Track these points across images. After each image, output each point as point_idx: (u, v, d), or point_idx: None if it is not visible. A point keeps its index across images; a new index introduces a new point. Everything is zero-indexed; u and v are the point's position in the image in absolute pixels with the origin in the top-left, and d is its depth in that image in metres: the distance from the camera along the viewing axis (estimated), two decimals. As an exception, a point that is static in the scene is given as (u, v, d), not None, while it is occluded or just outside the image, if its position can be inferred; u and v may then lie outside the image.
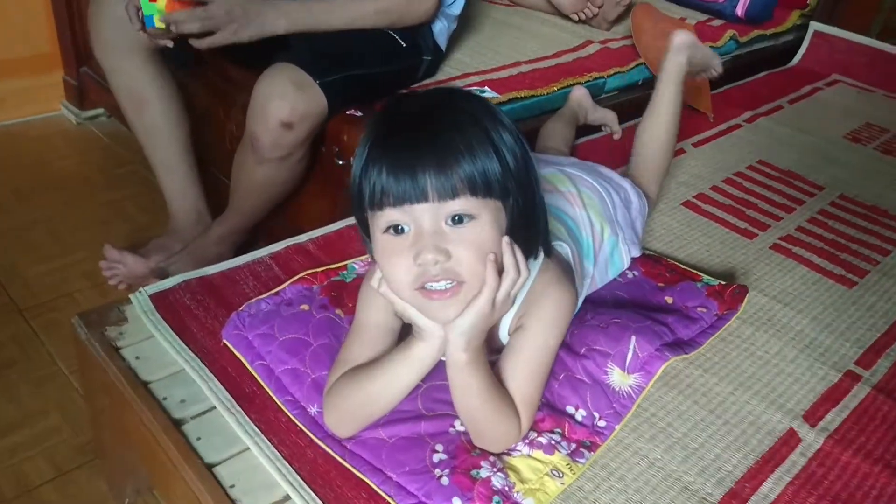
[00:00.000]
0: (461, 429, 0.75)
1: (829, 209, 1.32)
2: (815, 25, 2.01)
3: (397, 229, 0.63)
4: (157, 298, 0.91)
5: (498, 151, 0.63)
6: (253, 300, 0.89)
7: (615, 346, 0.85)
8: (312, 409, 0.76)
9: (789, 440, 0.82)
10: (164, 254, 1.27)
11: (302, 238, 1.05)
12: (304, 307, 0.87)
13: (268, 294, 0.90)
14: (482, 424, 0.71)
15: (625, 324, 0.87)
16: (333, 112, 1.13)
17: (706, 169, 1.40)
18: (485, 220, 0.63)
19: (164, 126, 1.30)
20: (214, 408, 0.77)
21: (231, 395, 0.78)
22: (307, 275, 0.94)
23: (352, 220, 1.10)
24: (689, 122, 1.51)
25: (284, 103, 1.07)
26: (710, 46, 1.84)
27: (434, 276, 0.63)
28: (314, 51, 1.14)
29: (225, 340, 0.84)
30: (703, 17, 2.00)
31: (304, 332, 0.83)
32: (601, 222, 0.96)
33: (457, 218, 0.62)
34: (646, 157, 1.16)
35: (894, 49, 1.91)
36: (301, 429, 0.75)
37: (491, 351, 0.76)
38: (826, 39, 2.00)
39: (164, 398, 0.78)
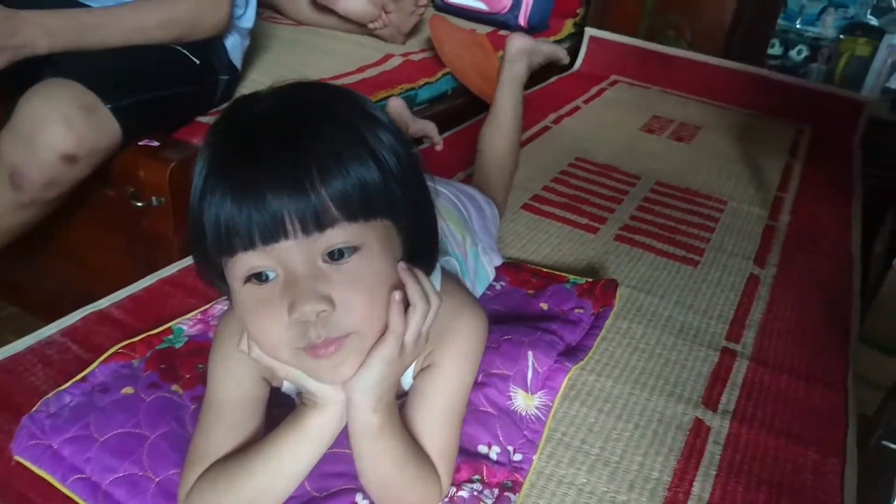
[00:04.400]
0: (365, 503, 0.60)
1: (651, 196, 1.35)
2: (589, 31, 2.13)
3: (260, 277, 0.48)
4: None
5: (375, 155, 0.49)
6: (51, 394, 0.66)
7: (513, 367, 0.75)
8: (165, 525, 0.57)
9: (699, 430, 0.78)
10: None
11: (102, 303, 0.83)
12: (128, 390, 0.67)
13: (71, 382, 0.68)
14: (400, 493, 0.56)
15: (517, 339, 0.78)
16: (126, 143, 0.92)
17: (532, 171, 1.38)
18: (372, 249, 0.49)
19: None
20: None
21: (40, 533, 0.56)
22: (122, 348, 0.73)
23: (164, 273, 0.90)
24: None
25: (68, 131, 0.83)
26: (501, 55, 1.86)
27: (317, 340, 0.47)
28: (96, 66, 0.91)
29: (17, 457, 0.61)
30: (490, 28, 2.02)
31: (134, 424, 0.63)
32: (462, 233, 0.86)
33: (335, 253, 0.47)
34: (491, 166, 1.09)
35: (660, 48, 2.07)
36: (154, 555, 0.55)
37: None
38: (601, 44, 2.13)
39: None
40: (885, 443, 0.82)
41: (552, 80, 1.98)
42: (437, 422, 0.59)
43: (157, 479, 0.59)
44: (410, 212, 0.51)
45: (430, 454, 0.58)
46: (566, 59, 1.30)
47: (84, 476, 0.59)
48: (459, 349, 0.59)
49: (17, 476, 0.60)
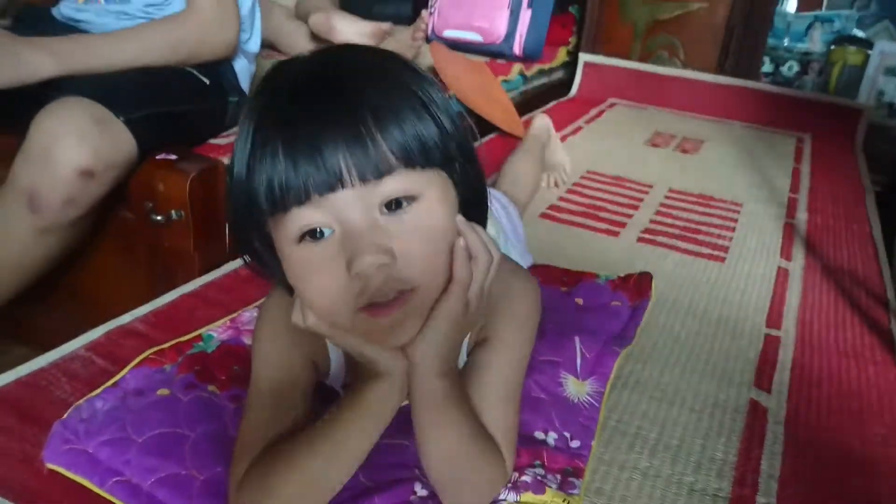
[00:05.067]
0: (423, 493, 0.57)
1: (666, 202, 1.34)
2: (584, 57, 2.16)
3: (315, 234, 0.45)
4: (-80, 434, 0.60)
5: (426, 106, 0.46)
6: (81, 400, 0.63)
7: (561, 353, 0.72)
8: (213, 523, 0.53)
9: (756, 411, 0.75)
10: None
11: (125, 318, 0.80)
12: (163, 391, 0.63)
13: (102, 388, 0.65)
14: (465, 474, 0.53)
15: (560, 326, 0.75)
16: (141, 157, 0.90)
17: (544, 186, 1.37)
18: (431, 199, 0.46)
19: None
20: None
21: (80, 541, 0.52)
22: (152, 354, 0.70)
23: (187, 288, 0.87)
24: (511, 145, 1.49)
25: (83, 145, 0.81)
26: (502, 80, 1.88)
27: (380, 290, 0.44)
28: (106, 83, 0.90)
29: (50, 464, 0.57)
30: (486, 59, 2.05)
31: (173, 423, 0.59)
32: (496, 229, 0.84)
33: (394, 203, 0.45)
34: (518, 177, 1.13)
35: (655, 69, 2.10)
36: (204, 556, 0.51)
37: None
38: (596, 69, 2.15)
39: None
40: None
41: (551, 104, 2.00)
42: (497, 398, 0.55)
43: (203, 478, 0.55)
44: (463, 165, 0.49)
45: (492, 433, 0.54)
46: (567, 175, 1.42)
47: (124, 478, 0.55)
48: (515, 318, 0.56)
49: (50, 485, 0.56)
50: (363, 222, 0.44)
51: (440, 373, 0.48)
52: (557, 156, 1.42)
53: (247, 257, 0.52)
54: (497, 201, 0.93)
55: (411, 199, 0.45)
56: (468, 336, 0.57)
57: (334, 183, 0.43)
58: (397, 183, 0.44)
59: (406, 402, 0.52)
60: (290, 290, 0.51)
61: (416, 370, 0.48)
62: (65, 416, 0.61)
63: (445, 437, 0.50)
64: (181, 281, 0.89)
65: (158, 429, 0.58)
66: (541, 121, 1.42)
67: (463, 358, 0.58)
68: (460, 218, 0.48)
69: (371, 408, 0.49)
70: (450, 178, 0.48)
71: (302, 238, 0.45)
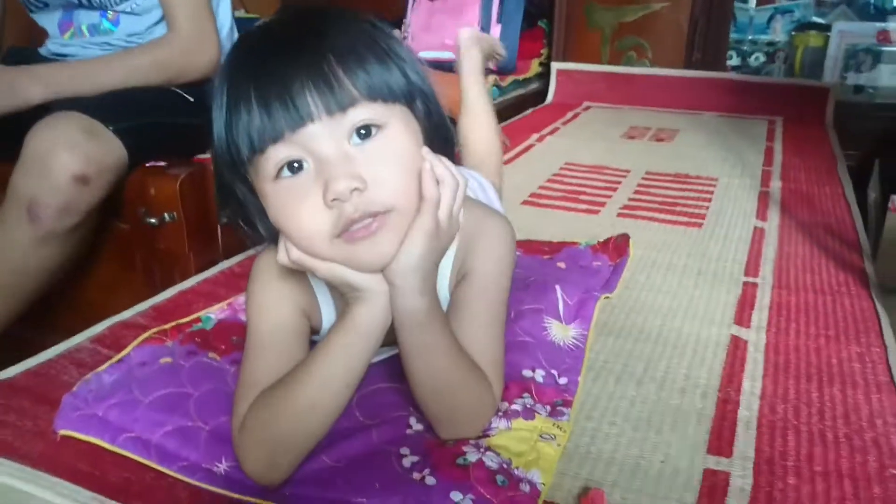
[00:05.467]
0: (419, 427, 0.60)
1: (644, 182, 1.39)
2: (556, 65, 2.22)
3: (292, 167, 0.49)
4: (-63, 420, 0.63)
5: (384, 47, 0.51)
6: (90, 374, 0.66)
7: (543, 300, 0.76)
8: (221, 466, 0.56)
9: (738, 343, 0.78)
10: None
11: (126, 314, 0.83)
12: (166, 360, 0.66)
13: (108, 364, 0.68)
14: (455, 398, 0.56)
15: (542, 279, 0.79)
16: (132, 164, 0.94)
17: (524, 178, 1.41)
18: (395, 127, 0.50)
19: None
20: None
21: (98, 494, 0.54)
22: (155, 333, 0.73)
23: (184, 286, 0.91)
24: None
25: (76, 153, 0.86)
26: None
27: (354, 216, 0.48)
28: (94, 99, 0.94)
29: (62, 431, 0.60)
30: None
31: (178, 384, 0.62)
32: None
33: (362, 131, 0.49)
34: (480, 151, 1.12)
35: (625, 70, 2.16)
36: (218, 494, 0.54)
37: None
38: (569, 75, 2.22)
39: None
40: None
41: (528, 112, 2.06)
42: (480, 327, 0.58)
43: (208, 428, 0.58)
44: (425, 104, 0.54)
45: (478, 361, 0.57)
46: (503, 52, 1.35)
47: (133, 434, 0.58)
48: (491, 252, 0.60)
49: (64, 450, 0.59)
50: (334, 152, 0.48)
51: (420, 290, 0.51)
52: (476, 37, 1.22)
53: (234, 218, 0.56)
54: (473, 178, 0.97)
55: (377, 127, 0.49)
56: (450, 273, 0.61)
57: (304, 119, 0.47)
58: (362, 113, 0.49)
59: (394, 353, 0.56)
60: (275, 240, 0.54)
61: (397, 290, 0.51)
62: (74, 389, 0.64)
63: (432, 359, 0.53)
64: (178, 281, 0.93)
65: (164, 389, 0.62)
66: (465, 38, 1.18)
67: (445, 295, 0.61)
68: (425, 148, 0.52)
69: (358, 329, 0.52)
70: (412, 113, 0.53)
71: (279, 174, 0.49)
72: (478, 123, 1.14)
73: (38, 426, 0.62)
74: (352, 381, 0.53)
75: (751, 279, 0.95)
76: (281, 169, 0.49)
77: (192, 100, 1.12)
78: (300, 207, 0.49)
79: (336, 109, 0.48)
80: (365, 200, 0.48)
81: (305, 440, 0.53)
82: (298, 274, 0.58)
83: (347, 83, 0.48)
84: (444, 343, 0.54)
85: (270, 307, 0.58)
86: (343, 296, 0.54)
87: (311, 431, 0.53)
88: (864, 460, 0.59)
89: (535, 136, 1.76)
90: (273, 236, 0.55)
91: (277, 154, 0.48)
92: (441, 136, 0.56)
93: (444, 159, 0.53)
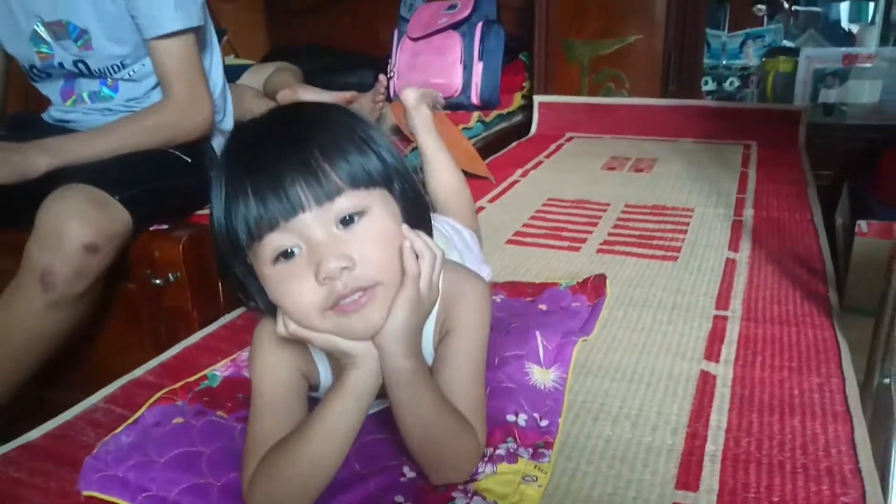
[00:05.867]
0: (412, 475, 0.65)
1: (623, 216, 1.45)
2: (538, 98, 2.31)
3: (287, 254, 0.55)
4: (-32, 485, 0.69)
5: (364, 139, 0.58)
6: (108, 437, 0.71)
7: (524, 346, 0.81)
8: (233, 520, 0.61)
9: (706, 378, 0.84)
10: None
11: (136, 373, 0.89)
12: (178, 420, 0.72)
13: (124, 426, 0.73)
14: (442, 446, 0.61)
15: (523, 324, 0.85)
16: (137, 230, 1.00)
17: (509, 215, 1.48)
18: (377, 211, 0.57)
19: None
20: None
21: (119, 550, 0.60)
22: (165, 394, 0.79)
23: (189, 341, 0.96)
24: (477, 185, 1.61)
25: (85, 223, 0.92)
26: (463, 128, 2.02)
27: (344, 292, 0.55)
28: (99, 169, 1.01)
29: (86, 491, 0.65)
30: (446, 110, 2.19)
31: (190, 443, 0.68)
32: (447, 249, 0.94)
33: (347, 218, 0.55)
34: (450, 200, 1.18)
35: (604, 100, 2.24)
36: (228, 546, 0.59)
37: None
38: (551, 107, 2.30)
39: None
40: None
41: (513, 145, 2.13)
42: (463, 379, 0.64)
43: (219, 484, 0.64)
44: (402, 185, 0.60)
45: (462, 411, 0.63)
46: (442, 100, 1.42)
47: (151, 493, 0.63)
48: (469, 309, 0.66)
49: (89, 509, 0.65)
50: (324, 237, 0.55)
51: (406, 354, 0.58)
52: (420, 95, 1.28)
53: (234, 291, 0.62)
54: (447, 224, 1.02)
55: (361, 213, 0.56)
56: (433, 332, 0.67)
57: (296, 209, 0.54)
58: (347, 201, 0.55)
59: (388, 403, 0.62)
60: (273, 312, 0.61)
61: (385, 355, 0.57)
62: (94, 451, 0.69)
63: (420, 412, 0.59)
64: (184, 338, 0.98)
65: (176, 449, 0.67)
66: (409, 97, 1.24)
67: (429, 351, 0.67)
68: (405, 226, 0.59)
69: (353, 391, 0.58)
70: (392, 196, 0.59)
71: (276, 259, 0.55)
72: (440, 170, 1.19)
73: (62, 487, 0.68)
74: (350, 437, 0.59)
75: (721, 312, 1.01)
76: (277, 256, 0.55)
77: (188, 160, 1.18)
78: (295, 287, 0.55)
79: (324, 199, 0.54)
80: (353, 277, 0.55)
81: (310, 492, 0.59)
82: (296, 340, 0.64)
83: (333, 175, 0.55)
84: (429, 397, 0.60)
85: (272, 371, 0.64)
86: (337, 360, 0.60)
87: (315, 484, 0.59)
88: (818, 489, 0.65)
89: (520, 171, 1.83)
90: (271, 308, 0.61)
91: (274, 241, 0.55)
92: (417, 210, 0.62)
93: (422, 234, 0.59)
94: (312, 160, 0.54)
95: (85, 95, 1.22)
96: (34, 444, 0.75)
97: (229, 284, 0.63)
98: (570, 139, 2.22)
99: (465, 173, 1.70)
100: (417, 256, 0.58)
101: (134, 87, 1.21)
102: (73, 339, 1.02)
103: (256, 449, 0.61)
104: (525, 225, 1.41)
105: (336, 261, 0.53)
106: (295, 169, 0.54)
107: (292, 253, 0.55)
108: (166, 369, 0.90)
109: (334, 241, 0.55)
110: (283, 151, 0.55)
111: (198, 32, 1.17)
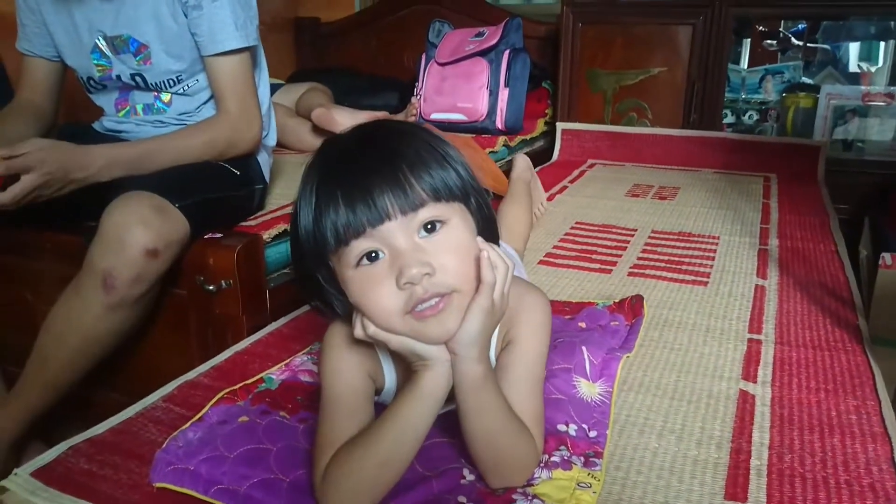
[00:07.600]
0: (471, 478, 0.68)
1: (651, 241, 1.49)
2: (561, 125, 2.36)
3: (370, 256, 0.59)
4: (41, 474, 0.71)
5: (445, 158, 0.62)
6: (177, 432, 0.74)
7: (571, 360, 0.84)
8: (302, 514, 0.64)
9: (746, 398, 0.86)
10: None
11: (190, 375, 0.92)
12: (244, 419, 0.75)
13: (190, 423, 0.76)
14: (505, 451, 0.64)
15: (569, 340, 0.88)
16: (193, 236, 1.04)
17: (538, 237, 1.51)
18: (455, 222, 0.61)
19: None
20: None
21: (192, 538, 0.62)
22: (226, 394, 0.81)
23: (239, 347, 1.00)
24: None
25: (148, 229, 0.96)
26: (490, 151, 2.07)
27: (423, 297, 0.58)
28: (158, 178, 1.05)
29: (159, 483, 0.68)
30: (473, 134, 2.24)
31: (257, 441, 0.71)
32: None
33: (429, 226, 0.59)
34: (513, 224, 1.27)
35: (627, 129, 2.29)
36: (299, 538, 0.62)
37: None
38: (573, 134, 2.35)
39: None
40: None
41: (536, 169, 2.17)
42: (523, 388, 0.67)
43: (289, 480, 0.66)
44: (476, 200, 0.64)
45: (522, 418, 0.66)
46: (542, 209, 1.66)
47: (223, 486, 0.66)
48: (531, 323, 0.69)
49: (160, 501, 0.67)
50: (406, 245, 0.58)
51: (478, 359, 0.61)
52: (536, 191, 1.61)
53: (311, 298, 0.66)
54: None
55: (441, 222, 0.60)
56: (496, 341, 0.70)
57: (383, 218, 0.58)
58: (429, 212, 0.59)
59: (451, 407, 0.65)
60: (347, 318, 0.64)
61: (459, 359, 0.60)
62: (164, 446, 0.72)
63: (486, 416, 0.62)
64: (231, 344, 1.02)
65: (245, 446, 0.70)
66: (521, 161, 1.62)
67: (492, 359, 0.71)
68: (479, 238, 0.62)
69: (425, 392, 0.61)
70: (467, 209, 0.63)
71: (359, 262, 0.59)
72: (516, 206, 1.33)
73: (132, 479, 0.71)
74: (420, 437, 0.62)
75: (755, 336, 1.04)
76: (361, 258, 0.59)
77: (237, 173, 1.22)
78: (377, 289, 0.59)
79: (409, 210, 0.58)
80: (433, 283, 0.58)
81: (380, 488, 0.62)
82: (365, 343, 0.67)
83: (417, 188, 0.58)
84: (496, 403, 0.63)
85: (343, 372, 0.67)
86: (409, 364, 0.63)
87: (385, 481, 0.62)
88: (862, 504, 0.67)
89: (546, 194, 1.86)
90: (347, 313, 0.64)
91: (360, 246, 0.58)
92: (489, 225, 0.66)
93: (496, 247, 0.63)
94: (400, 173, 0.58)
95: (139, 108, 1.26)
96: (101, 437, 0.78)
97: (303, 288, 0.66)
98: (591, 165, 2.26)
99: (492, 194, 1.77)
100: (492, 267, 0.61)
101: (187, 101, 1.25)
102: (125, 343, 1.05)
103: (328, 447, 0.63)
104: (555, 247, 1.45)
105: (418, 267, 0.57)
106: (384, 180, 0.58)
107: (376, 255, 0.59)
108: (219, 372, 0.93)
109: (416, 249, 0.58)
110: (373, 164, 0.59)
111: (253, 51, 1.21)
